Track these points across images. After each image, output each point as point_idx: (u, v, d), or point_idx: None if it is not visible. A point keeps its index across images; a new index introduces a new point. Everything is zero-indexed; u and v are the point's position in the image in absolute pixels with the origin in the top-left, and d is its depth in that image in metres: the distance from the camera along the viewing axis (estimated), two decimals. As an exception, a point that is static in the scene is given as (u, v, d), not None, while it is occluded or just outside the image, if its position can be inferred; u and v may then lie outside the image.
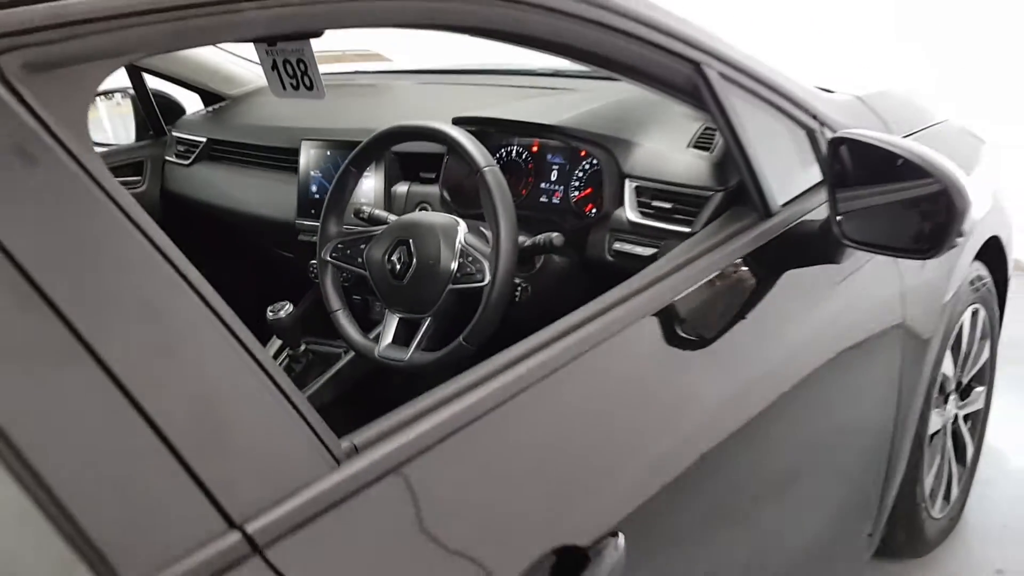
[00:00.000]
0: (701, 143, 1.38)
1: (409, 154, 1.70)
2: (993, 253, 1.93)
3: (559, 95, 1.73)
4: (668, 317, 1.02)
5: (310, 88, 1.19)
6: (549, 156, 1.55)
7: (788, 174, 1.26)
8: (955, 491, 2.00)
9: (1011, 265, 2.06)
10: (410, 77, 2.29)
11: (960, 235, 1.06)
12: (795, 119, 1.29)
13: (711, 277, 1.09)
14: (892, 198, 1.11)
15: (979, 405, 2.05)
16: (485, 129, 1.57)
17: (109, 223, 0.59)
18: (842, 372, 1.29)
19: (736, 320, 1.12)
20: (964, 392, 1.97)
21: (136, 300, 0.59)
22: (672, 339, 1.03)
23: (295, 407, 0.65)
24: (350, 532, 0.66)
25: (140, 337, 0.58)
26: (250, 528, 0.60)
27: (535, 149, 1.57)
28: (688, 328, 1.05)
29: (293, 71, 1.16)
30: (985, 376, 2.05)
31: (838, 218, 1.13)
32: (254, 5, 0.70)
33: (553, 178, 1.54)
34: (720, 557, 1.07)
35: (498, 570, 0.74)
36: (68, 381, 0.55)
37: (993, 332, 2.03)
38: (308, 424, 0.66)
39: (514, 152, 1.59)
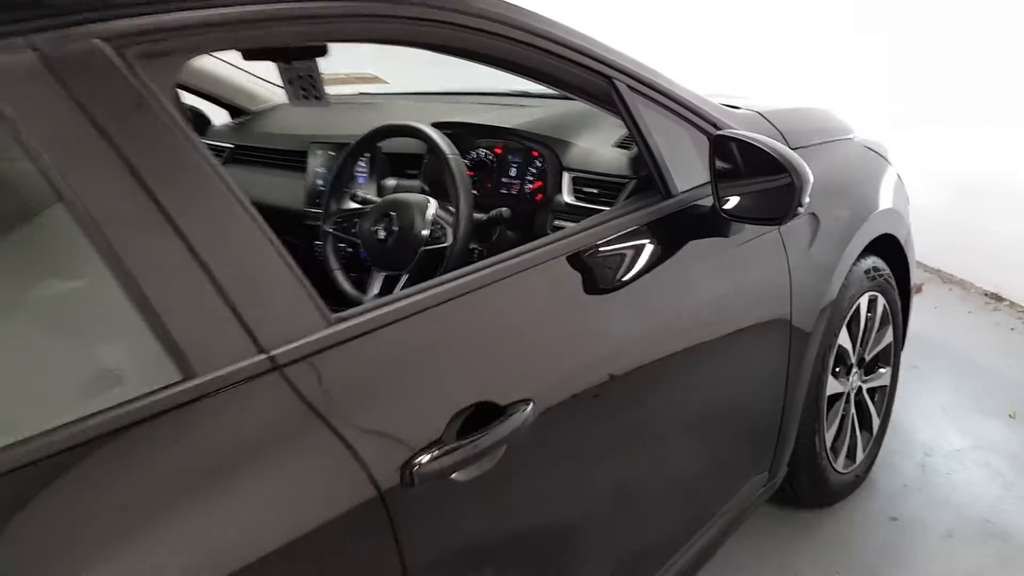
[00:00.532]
0: (623, 144, 1.75)
1: (396, 154, 2.08)
2: (891, 251, 2.28)
3: (519, 109, 2.12)
4: (580, 262, 1.37)
5: (319, 98, 1.58)
6: (509, 157, 1.93)
7: (687, 168, 1.62)
8: (860, 454, 2.33)
9: (912, 263, 2.41)
10: (403, 97, 2.68)
11: (800, 206, 1.43)
12: (696, 126, 1.65)
13: (617, 235, 1.45)
14: (757, 181, 1.48)
15: (884, 382, 2.39)
16: (457, 132, 1.94)
17: (189, 150, 0.95)
18: (733, 327, 1.64)
19: (640, 274, 1.47)
20: (869, 368, 2.31)
21: (206, 201, 0.95)
22: (584, 281, 1.38)
23: (303, 284, 1.01)
24: (336, 368, 1.01)
25: (208, 224, 0.94)
26: (272, 353, 0.96)
27: (498, 152, 1.95)
28: (597, 274, 1.41)
29: (304, 84, 1.54)
30: (889, 358, 2.39)
31: (720, 198, 1.50)
32: (278, 23, 1.07)
33: (512, 174, 1.92)
34: (613, 465, 1.41)
35: (442, 401, 1.09)
36: (164, 248, 0.91)
37: (895, 319, 2.38)
38: (311, 297, 1.02)
39: (482, 154, 1.97)
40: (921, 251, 3.56)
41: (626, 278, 1.44)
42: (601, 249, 1.42)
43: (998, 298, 3.38)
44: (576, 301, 1.35)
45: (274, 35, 1.08)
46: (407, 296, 1.13)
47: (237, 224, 0.97)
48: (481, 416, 1.13)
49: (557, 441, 1.27)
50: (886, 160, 2.37)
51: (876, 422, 2.39)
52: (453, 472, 1.07)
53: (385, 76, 2.49)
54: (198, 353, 0.90)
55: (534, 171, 1.88)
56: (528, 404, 1.18)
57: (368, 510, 0.99)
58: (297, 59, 1.54)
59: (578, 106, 1.79)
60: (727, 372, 1.67)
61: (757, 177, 1.48)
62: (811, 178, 1.44)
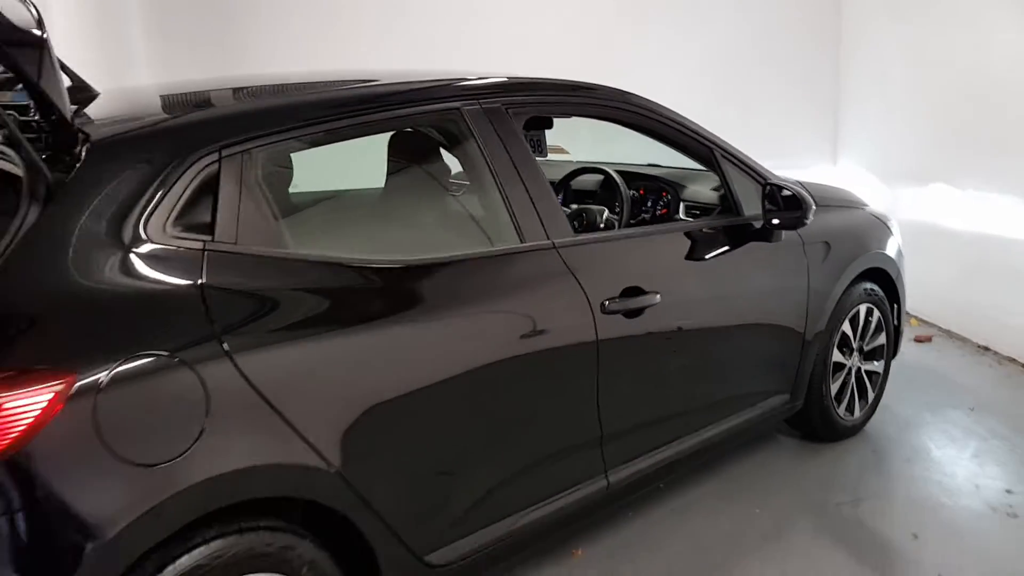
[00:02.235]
0: (715, 188, 3.11)
1: (578, 190, 3.49)
2: (883, 279, 3.53)
3: (656, 169, 3.53)
4: (690, 237, 2.71)
5: (543, 154, 2.99)
6: (649, 193, 3.32)
7: (749, 201, 2.95)
8: (858, 412, 3.53)
9: (902, 294, 3.64)
10: (573, 163, 4.11)
11: (805, 222, 2.76)
12: (754, 178, 2.99)
13: (707, 232, 2.79)
14: (786, 209, 2.81)
15: (877, 370, 3.59)
16: (627, 177, 3.34)
17: (530, 153, 2.37)
18: (770, 295, 2.95)
19: (720, 254, 2.80)
20: (867, 357, 3.53)
21: (541, 177, 2.37)
22: (691, 248, 2.71)
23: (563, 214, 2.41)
24: (581, 254, 2.39)
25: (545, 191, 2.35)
26: (557, 241, 2.35)
27: (641, 192, 3.34)
28: (698, 246, 2.73)
29: (533, 142, 2.94)
30: (881, 355, 3.60)
31: (767, 218, 2.83)
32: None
33: (649, 204, 3.30)
34: (695, 353, 2.71)
35: (624, 278, 2.45)
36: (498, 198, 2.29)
37: (887, 328, 3.59)
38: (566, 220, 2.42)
39: (639, 192, 3.36)
40: (933, 313, 4.76)
41: (711, 255, 2.77)
42: (702, 233, 2.76)
43: (986, 349, 4.53)
44: (684, 254, 2.68)
45: (546, 109, 2.51)
46: (615, 236, 2.50)
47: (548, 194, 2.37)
48: (636, 290, 2.46)
49: (669, 319, 2.58)
50: (887, 225, 3.64)
51: (871, 395, 3.59)
52: (619, 311, 2.39)
53: (567, 147, 3.93)
54: (543, 234, 2.27)
55: (663, 202, 3.26)
56: (657, 294, 2.50)
57: (587, 317, 2.31)
58: (536, 127, 2.95)
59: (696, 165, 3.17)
60: (765, 320, 2.96)
61: (787, 207, 2.81)
62: (813, 205, 2.77)
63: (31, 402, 1.48)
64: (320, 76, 2.48)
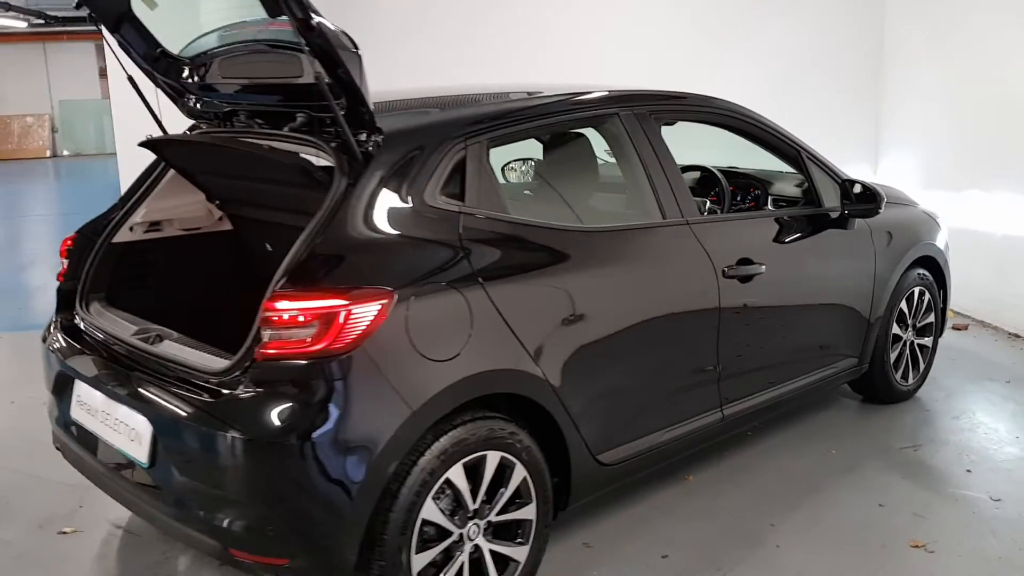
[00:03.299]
0: (799, 184, 3.73)
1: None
2: (933, 266, 4.13)
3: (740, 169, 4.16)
4: (779, 222, 3.33)
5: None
6: (739, 190, 3.93)
7: (828, 194, 3.57)
8: (911, 379, 4.12)
9: (948, 278, 4.24)
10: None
11: (878, 211, 3.37)
12: (830, 175, 3.60)
13: (796, 219, 3.40)
14: (861, 201, 3.42)
15: (927, 344, 4.19)
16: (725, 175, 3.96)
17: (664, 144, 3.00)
18: (846, 274, 3.56)
19: (802, 237, 3.41)
20: (919, 333, 4.13)
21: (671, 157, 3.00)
22: (778, 230, 3.32)
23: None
24: (717, 231, 3.02)
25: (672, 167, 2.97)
26: (689, 219, 2.98)
27: (732, 189, 3.96)
28: (784, 230, 3.34)
29: None
30: (930, 332, 4.19)
31: (843, 208, 3.45)
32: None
33: (739, 198, 3.92)
34: (783, 321, 3.33)
35: (736, 253, 3.08)
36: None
37: (936, 309, 4.19)
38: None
39: (730, 188, 3.98)
40: (969, 307, 5.32)
41: (800, 237, 3.38)
42: (792, 220, 3.38)
43: (1017, 336, 5.11)
44: (780, 236, 3.30)
45: (678, 115, 3.14)
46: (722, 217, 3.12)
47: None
48: (747, 261, 3.07)
49: (770, 285, 3.19)
50: (936, 221, 4.24)
51: (922, 366, 4.18)
52: (734, 277, 3.00)
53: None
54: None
55: (751, 196, 3.88)
56: (763, 265, 3.12)
57: (712, 280, 2.93)
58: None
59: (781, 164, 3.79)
60: (841, 293, 3.57)
61: (863, 200, 3.42)
62: (885, 198, 3.39)
63: (367, 311, 2.11)
64: (512, 87, 3.12)
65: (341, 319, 2.08)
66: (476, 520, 2.34)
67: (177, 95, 2.95)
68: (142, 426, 2.31)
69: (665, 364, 2.87)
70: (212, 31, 2.78)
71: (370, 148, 2.31)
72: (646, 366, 2.79)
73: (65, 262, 2.93)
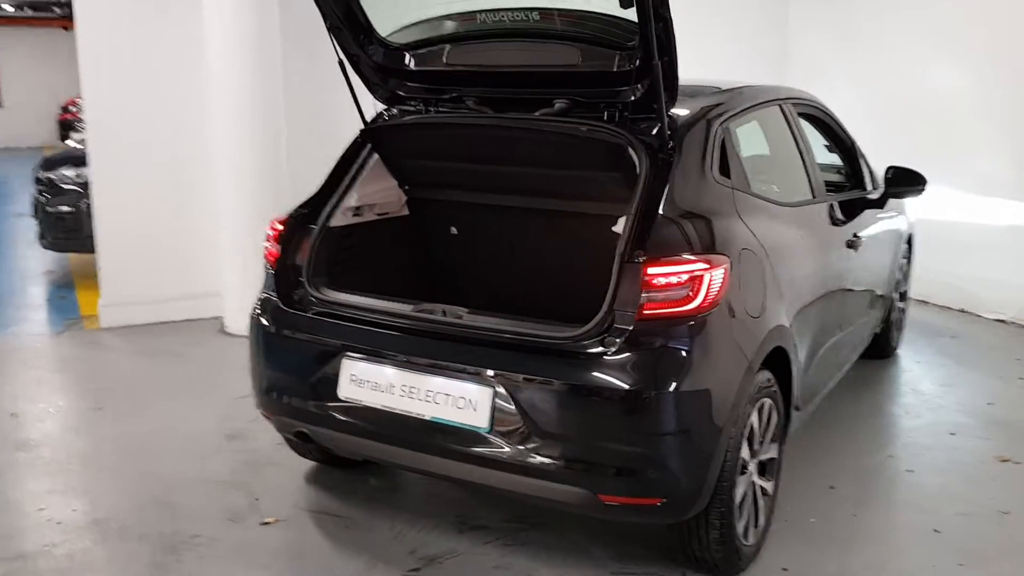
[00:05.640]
0: (838, 170, 4.37)
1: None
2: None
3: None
4: (839, 204, 3.91)
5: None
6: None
7: (870, 180, 4.24)
8: (897, 336, 4.94)
9: (913, 252, 5.11)
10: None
11: (922, 191, 4.09)
12: (868, 165, 4.27)
13: (847, 199, 4.00)
14: (909, 183, 4.11)
15: (904, 306, 5.03)
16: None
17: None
18: (885, 245, 4.25)
19: (854, 215, 4.00)
20: (902, 297, 4.95)
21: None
22: (858, 212, 3.92)
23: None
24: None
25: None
26: (785, 202, 3.49)
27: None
28: (842, 209, 3.93)
29: None
30: (905, 298, 5.04)
31: (893, 190, 4.12)
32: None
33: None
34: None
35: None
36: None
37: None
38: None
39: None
40: (960, 300, 6.17)
41: (865, 213, 4.00)
42: (841, 202, 3.97)
43: (1002, 321, 6.10)
44: (858, 213, 3.89)
45: (808, 110, 3.64)
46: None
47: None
48: (855, 234, 3.64)
49: (865, 252, 3.77)
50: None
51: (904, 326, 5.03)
52: (852, 247, 3.56)
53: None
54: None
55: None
56: (863, 236, 3.70)
57: (843, 248, 3.48)
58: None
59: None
60: (884, 256, 4.26)
61: (908, 183, 4.11)
62: (927, 180, 4.11)
63: (719, 274, 2.39)
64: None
65: (706, 282, 2.34)
66: (755, 458, 2.68)
67: (381, 80, 2.98)
68: (474, 393, 2.41)
69: (831, 321, 3.36)
70: (431, 18, 2.88)
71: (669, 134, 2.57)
72: (823, 323, 3.25)
73: (275, 246, 2.87)
